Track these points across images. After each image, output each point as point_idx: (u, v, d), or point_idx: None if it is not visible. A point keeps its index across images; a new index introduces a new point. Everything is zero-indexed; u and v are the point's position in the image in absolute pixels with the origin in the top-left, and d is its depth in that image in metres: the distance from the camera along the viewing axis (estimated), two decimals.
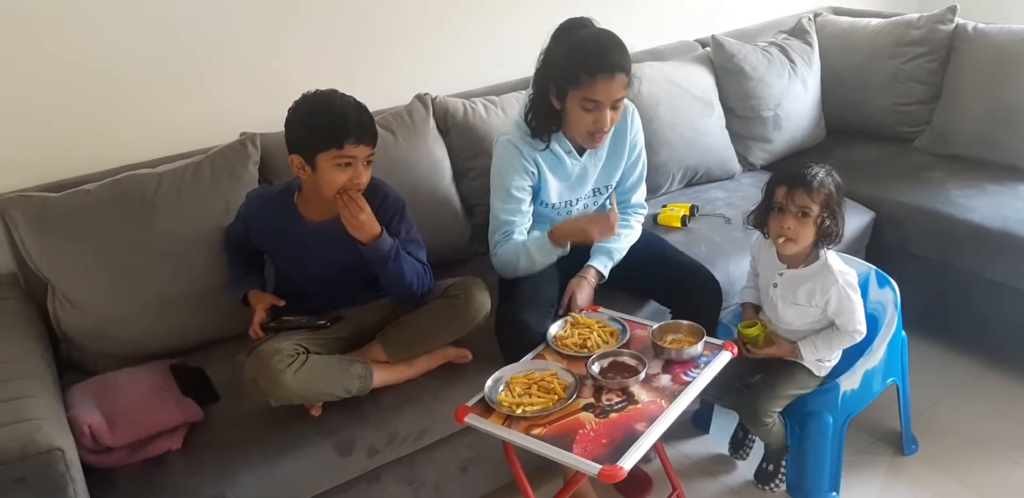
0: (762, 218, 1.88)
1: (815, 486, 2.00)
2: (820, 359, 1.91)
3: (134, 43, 2.13)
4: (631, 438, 1.50)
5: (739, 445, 2.20)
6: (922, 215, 2.61)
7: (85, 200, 1.95)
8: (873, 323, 1.98)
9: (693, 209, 2.60)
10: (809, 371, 1.93)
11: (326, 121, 1.70)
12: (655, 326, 1.82)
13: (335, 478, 1.77)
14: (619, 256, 2.10)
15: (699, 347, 1.74)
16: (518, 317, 1.88)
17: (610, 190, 2.16)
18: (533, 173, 2.00)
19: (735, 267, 2.34)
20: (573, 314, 1.93)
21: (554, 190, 2.05)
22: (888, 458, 2.17)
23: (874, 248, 2.74)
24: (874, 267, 2.08)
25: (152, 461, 1.66)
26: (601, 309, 1.98)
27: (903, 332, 2.06)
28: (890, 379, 2.04)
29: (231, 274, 2.02)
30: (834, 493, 2.01)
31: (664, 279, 2.10)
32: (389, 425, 1.80)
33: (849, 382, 1.92)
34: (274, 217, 1.89)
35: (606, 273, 2.07)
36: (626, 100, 1.94)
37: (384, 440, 1.80)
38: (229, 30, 2.27)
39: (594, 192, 2.14)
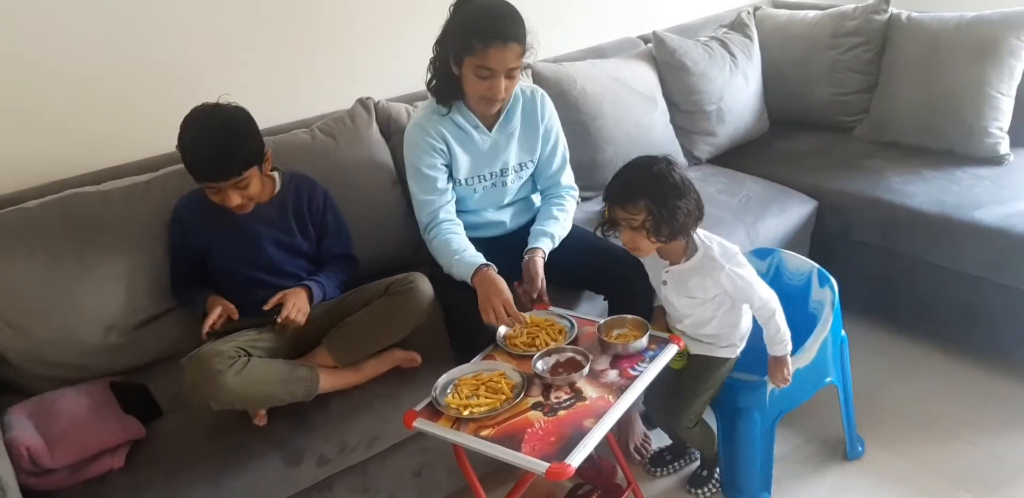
0: (608, 229, 1.84)
1: (747, 485, 2.01)
2: (730, 344, 1.91)
3: (59, 57, 2.09)
4: (579, 435, 1.50)
5: (700, 481, 2.13)
6: (863, 202, 2.65)
7: (27, 218, 1.91)
8: (814, 325, 1.98)
9: None
10: (722, 360, 1.92)
11: None
12: (601, 322, 1.82)
13: (285, 490, 1.74)
14: (558, 240, 2.08)
15: (644, 341, 1.75)
16: (472, 321, 1.87)
17: (524, 169, 2.14)
18: (443, 151, 2.01)
19: None
20: (523, 315, 1.91)
21: (463, 165, 2.05)
22: (829, 463, 2.17)
23: (819, 237, 2.78)
24: (817, 266, 2.07)
25: (94, 481, 1.63)
26: (551, 307, 1.98)
27: (843, 332, 2.06)
28: (828, 379, 2.04)
29: (184, 298, 2.01)
30: (765, 493, 2.02)
31: (593, 268, 2.10)
32: (339, 434, 1.78)
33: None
34: (210, 211, 1.90)
35: (548, 250, 2.05)
36: (536, 86, 2.01)
37: (335, 449, 1.78)
38: (162, 42, 2.23)
39: (520, 167, 2.13)
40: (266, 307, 1.83)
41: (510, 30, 1.84)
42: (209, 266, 1.99)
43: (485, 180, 2.11)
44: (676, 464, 2.18)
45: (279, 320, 1.79)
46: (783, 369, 1.87)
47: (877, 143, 3.00)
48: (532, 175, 2.20)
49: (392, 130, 2.42)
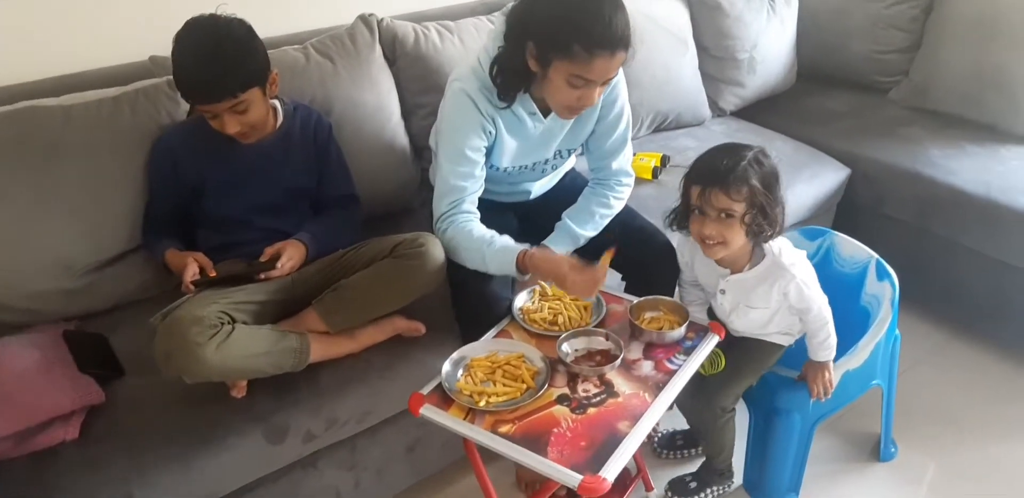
0: (684, 219, 1.62)
1: (773, 485, 1.86)
2: (789, 333, 1.72)
3: None
4: (614, 441, 1.31)
5: (685, 492, 1.90)
6: (900, 175, 2.45)
7: None
8: (865, 320, 1.80)
9: (664, 159, 2.37)
10: (773, 346, 1.72)
11: None
12: (633, 302, 1.62)
13: (263, 468, 1.54)
14: (583, 242, 1.83)
15: (683, 330, 1.55)
16: (481, 285, 1.64)
17: (572, 153, 1.88)
18: (491, 132, 1.70)
19: None
20: (542, 283, 1.70)
21: (508, 153, 1.76)
22: (860, 463, 2.02)
23: (845, 207, 2.59)
24: (875, 256, 1.88)
25: (43, 454, 1.39)
26: None
27: (896, 331, 1.89)
28: (874, 382, 1.87)
29: (153, 246, 1.76)
30: (793, 494, 1.88)
31: (620, 242, 1.85)
32: (328, 408, 1.57)
33: None
34: (206, 143, 1.69)
35: None
36: None
37: (322, 425, 1.57)
38: None
39: (556, 155, 1.85)
40: (263, 259, 1.62)
41: (621, 35, 1.49)
42: (195, 207, 1.74)
43: (526, 169, 1.83)
44: (687, 451, 2.02)
45: (274, 274, 1.59)
46: (826, 375, 1.69)
47: (914, 109, 2.79)
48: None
49: (397, 53, 2.14)
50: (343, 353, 1.61)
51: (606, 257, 1.56)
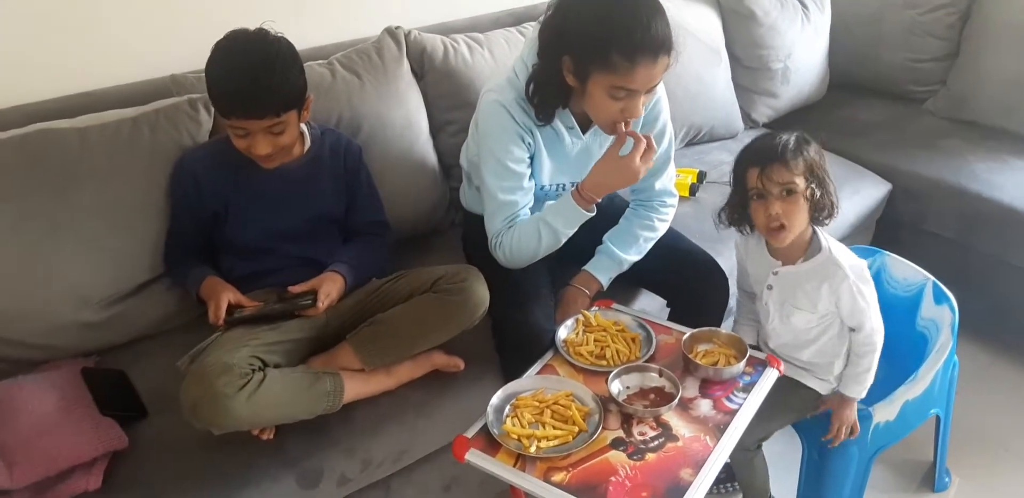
0: (740, 211, 1.55)
1: None
2: (828, 378, 1.62)
3: None
4: (677, 491, 1.22)
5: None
6: (943, 190, 2.36)
7: None
8: (922, 345, 1.71)
9: (700, 175, 2.28)
10: (812, 392, 1.63)
11: None
12: (687, 335, 1.52)
13: None
14: (628, 267, 1.75)
15: (742, 365, 1.46)
16: (525, 316, 1.56)
17: None
18: (530, 144, 1.61)
19: None
20: (584, 312, 1.61)
21: (547, 170, 1.67)
22: (913, 494, 1.93)
23: (885, 223, 2.50)
24: (932, 278, 1.79)
25: None
26: (615, 305, 1.67)
27: (955, 357, 1.80)
28: (933, 411, 1.78)
29: (181, 275, 1.68)
30: None
31: (663, 268, 1.77)
32: (363, 449, 1.48)
33: (884, 412, 1.65)
34: (230, 167, 1.60)
35: (607, 285, 1.73)
36: None
37: (357, 467, 1.48)
38: None
39: None
40: (294, 289, 1.54)
41: (662, 38, 1.40)
42: (216, 233, 1.65)
43: (563, 190, 1.72)
44: (728, 486, 1.91)
45: (312, 313, 1.51)
46: (852, 413, 1.60)
47: (953, 120, 2.70)
48: None
49: (426, 68, 2.05)
50: (379, 391, 1.52)
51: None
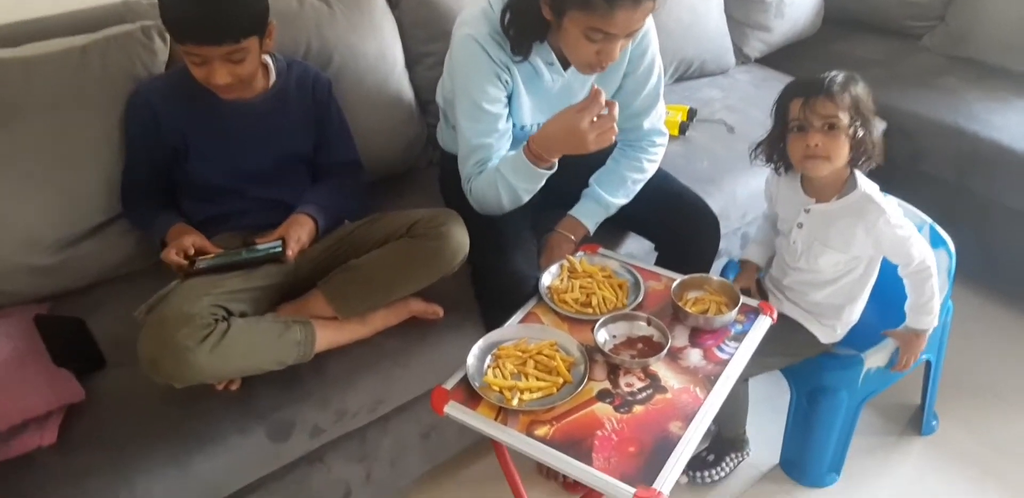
0: (776, 145, 1.49)
1: (814, 466, 1.75)
2: (832, 324, 1.58)
3: None
4: (666, 445, 1.16)
5: (702, 466, 1.77)
6: (940, 129, 2.28)
7: None
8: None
9: (691, 113, 2.18)
10: (811, 337, 1.58)
11: None
12: (676, 282, 1.45)
13: (266, 467, 1.39)
14: (615, 210, 1.66)
15: (733, 314, 1.39)
16: (506, 263, 1.48)
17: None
18: (507, 81, 1.50)
19: (741, 187, 1.98)
20: (569, 258, 1.53)
21: (526, 109, 1.57)
22: (899, 438, 1.90)
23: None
24: (930, 221, 1.72)
25: (15, 463, 1.22)
26: (601, 250, 1.60)
27: (950, 301, 1.74)
28: (924, 356, 1.72)
29: (142, 219, 1.57)
30: (834, 474, 1.76)
31: (652, 210, 1.68)
32: (337, 400, 1.41)
33: (876, 358, 1.61)
34: (189, 99, 1.49)
35: (593, 230, 1.65)
36: None
37: (331, 418, 1.41)
38: None
39: None
40: (261, 241, 1.44)
41: None
42: (178, 172, 1.54)
43: None
44: (723, 465, 1.78)
45: (287, 256, 1.41)
46: (920, 346, 1.56)
47: (950, 57, 2.59)
48: None
49: None
50: (353, 339, 1.44)
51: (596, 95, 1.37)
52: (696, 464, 1.77)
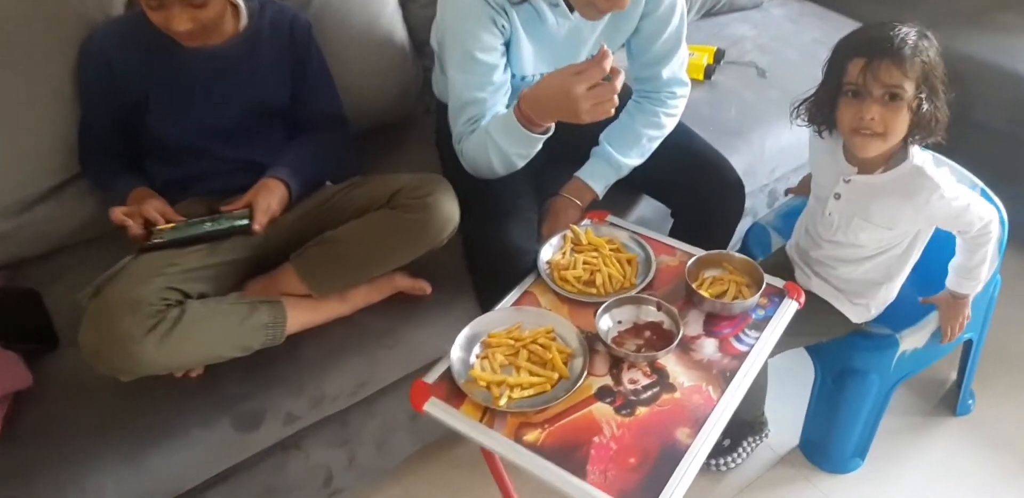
0: (824, 108, 1.27)
1: (837, 451, 1.62)
2: (866, 303, 1.41)
3: None
4: (671, 456, 1.03)
5: (718, 452, 1.64)
6: (994, 74, 2.05)
7: None
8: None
9: (718, 54, 1.96)
10: (841, 316, 1.42)
11: None
12: (691, 261, 1.29)
13: (234, 457, 1.28)
14: (627, 172, 1.47)
15: (755, 299, 1.23)
16: (501, 234, 1.32)
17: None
18: (504, 27, 1.30)
19: (772, 140, 1.79)
20: (573, 227, 1.37)
21: (526, 57, 1.37)
22: (931, 417, 1.75)
23: None
24: (980, 183, 1.53)
25: None
26: (610, 217, 1.43)
27: (998, 275, 1.56)
28: (967, 335, 1.57)
29: (100, 179, 1.42)
30: (858, 459, 1.63)
31: (669, 171, 1.50)
32: (313, 386, 1.29)
33: (913, 339, 1.45)
34: (148, 46, 1.32)
35: (602, 194, 1.48)
36: None
37: (306, 404, 1.30)
38: None
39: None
40: (228, 208, 1.30)
41: None
42: (139, 130, 1.38)
43: None
44: (740, 450, 1.65)
45: (254, 228, 1.26)
46: (963, 313, 1.40)
47: None
48: None
49: None
50: (330, 318, 1.31)
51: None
52: (712, 452, 1.63)
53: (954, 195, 1.25)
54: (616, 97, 1.18)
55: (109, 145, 1.40)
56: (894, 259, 1.36)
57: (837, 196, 1.32)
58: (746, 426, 1.63)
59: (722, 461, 1.63)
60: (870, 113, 1.17)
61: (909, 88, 1.16)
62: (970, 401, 1.75)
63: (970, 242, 1.32)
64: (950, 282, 1.38)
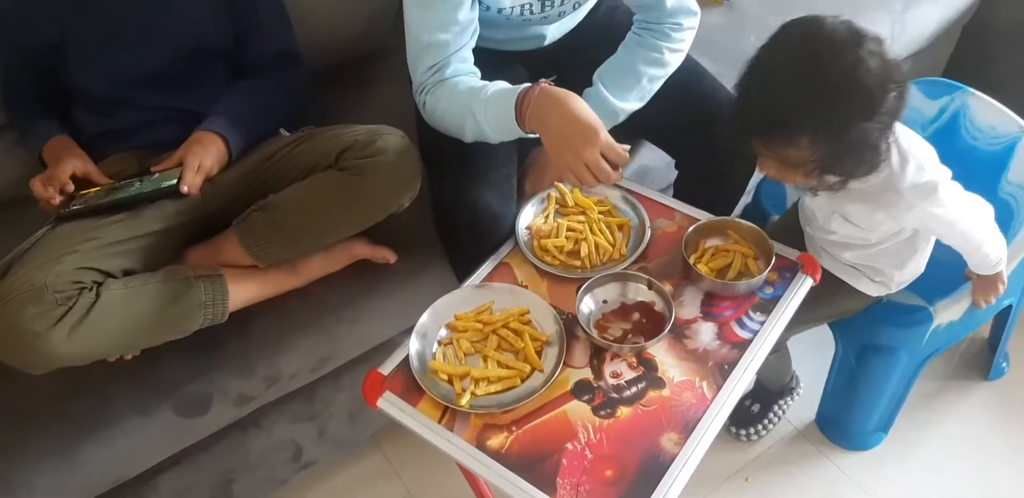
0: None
1: (857, 427, 1.48)
2: (885, 281, 1.22)
3: None
4: (655, 469, 0.89)
5: (747, 420, 1.52)
6: None
7: None
8: (1004, 220, 1.24)
9: None
10: (861, 295, 1.24)
11: None
12: (691, 229, 1.11)
13: (181, 442, 1.18)
14: (625, 117, 1.26)
15: (763, 277, 1.06)
16: (472, 197, 1.14)
17: None
18: None
19: None
20: (559, 185, 1.20)
21: None
22: (962, 381, 1.61)
23: (972, 34, 1.94)
24: None
25: None
26: None
27: None
28: (1006, 302, 1.40)
29: (22, 126, 1.27)
30: (881, 433, 1.50)
31: (673, 115, 1.29)
32: (265, 366, 1.17)
33: (948, 312, 1.29)
34: None
35: None
36: None
37: (260, 385, 1.18)
38: None
39: None
40: (158, 168, 1.14)
41: None
42: (62, 76, 1.22)
43: (533, 10, 1.20)
44: (772, 415, 1.52)
45: (182, 190, 1.09)
46: (995, 287, 1.23)
47: None
48: None
49: None
50: (281, 291, 1.17)
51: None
52: (739, 417, 1.51)
53: (934, 214, 1.04)
54: (593, 179, 1.02)
55: (33, 92, 1.24)
56: (899, 246, 1.16)
57: (813, 192, 1.12)
58: (776, 393, 1.51)
59: (752, 430, 1.51)
60: (764, 169, 1.02)
61: (799, 156, 0.95)
62: (1004, 364, 1.60)
63: (960, 249, 1.14)
64: (972, 267, 1.20)
